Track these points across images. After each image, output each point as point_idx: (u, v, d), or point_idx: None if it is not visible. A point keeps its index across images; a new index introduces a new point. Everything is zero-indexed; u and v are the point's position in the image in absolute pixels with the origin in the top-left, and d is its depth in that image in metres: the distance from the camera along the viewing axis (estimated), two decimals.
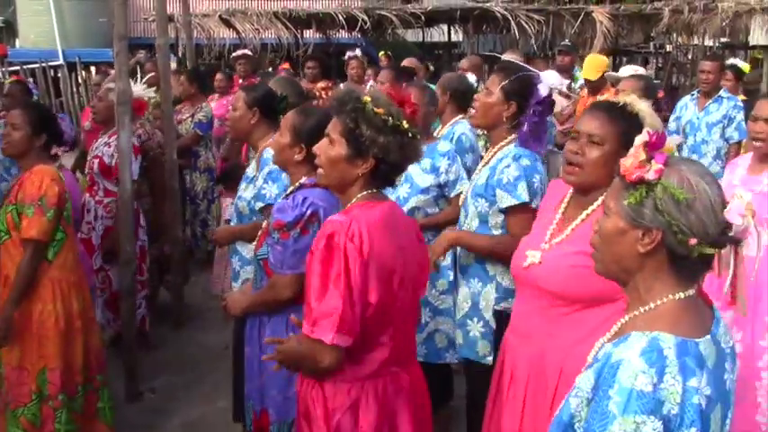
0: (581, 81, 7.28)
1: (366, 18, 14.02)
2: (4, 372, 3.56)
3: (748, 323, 3.51)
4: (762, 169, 3.50)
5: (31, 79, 12.21)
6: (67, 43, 15.57)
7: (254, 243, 3.04)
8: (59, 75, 14.77)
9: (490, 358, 3.01)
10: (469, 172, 3.79)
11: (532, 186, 2.92)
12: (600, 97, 6.54)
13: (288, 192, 2.85)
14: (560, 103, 6.10)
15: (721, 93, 6.07)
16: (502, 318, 2.98)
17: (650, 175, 1.48)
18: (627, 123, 2.31)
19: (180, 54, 12.32)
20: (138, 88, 5.15)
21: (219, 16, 13.73)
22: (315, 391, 2.24)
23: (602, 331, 1.65)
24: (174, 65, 9.93)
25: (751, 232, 1.48)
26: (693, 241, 1.45)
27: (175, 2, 11.78)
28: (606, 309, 2.19)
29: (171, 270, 5.74)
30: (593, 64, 6.78)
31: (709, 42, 15.24)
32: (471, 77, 5.00)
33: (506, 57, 6.76)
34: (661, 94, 5.76)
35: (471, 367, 3.16)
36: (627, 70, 6.07)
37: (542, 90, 2.95)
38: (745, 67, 6.73)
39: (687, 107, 6.20)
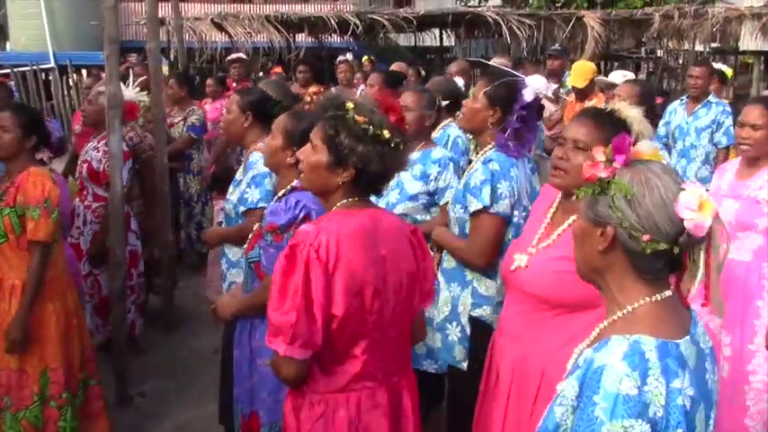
0: (564, 90, 7.30)
1: (358, 22, 14.05)
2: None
3: (737, 327, 3.52)
4: (750, 174, 3.53)
5: (12, 82, 12.14)
6: (59, 46, 15.55)
7: (245, 246, 3.04)
8: (50, 78, 14.73)
9: (465, 364, 3.06)
10: None
11: (496, 192, 2.89)
12: (588, 103, 6.60)
13: (280, 194, 2.86)
14: (548, 108, 6.14)
15: (710, 98, 6.11)
16: (477, 324, 3.01)
17: (602, 174, 1.51)
18: (613, 130, 2.33)
19: (172, 57, 12.31)
20: (130, 92, 5.15)
21: (211, 20, 13.74)
22: (289, 400, 2.22)
23: (584, 337, 1.66)
24: (165, 69, 9.92)
25: (715, 232, 1.48)
26: (646, 237, 1.46)
27: (167, 5, 11.76)
28: (589, 315, 2.21)
29: (161, 274, 5.73)
30: (581, 71, 6.81)
31: (699, 47, 15.32)
32: (459, 81, 5.01)
33: (495, 61, 6.77)
34: (659, 100, 5.80)
35: (452, 370, 3.19)
36: (616, 75, 6.09)
37: (527, 95, 2.94)
38: (728, 71, 6.77)
39: (676, 112, 6.23)
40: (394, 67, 6.97)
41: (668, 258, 1.48)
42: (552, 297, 2.37)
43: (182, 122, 6.94)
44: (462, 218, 3.05)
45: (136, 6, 17.36)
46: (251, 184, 3.37)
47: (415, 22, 14.59)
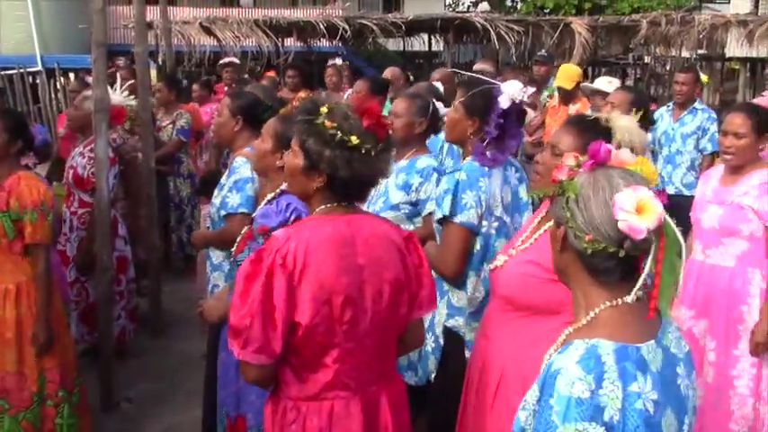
0: (546, 93, 7.33)
1: (347, 27, 14.05)
2: None
3: (722, 332, 3.55)
4: (733, 181, 3.55)
5: None
6: (46, 49, 15.46)
7: (232, 249, 3.05)
8: (38, 81, 14.65)
9: (433, 375, 3.08)
10: None
11: (460, 202, 2.87)
12: (572, 106, 6.67)
13: (270, 197, 2.87)
14: (529, 114, 6.15)
15: (696, 104, 6.15)
16: (450, 335, 3.02)
17: (561, 176, 1.54)
18: (594, 138, 2.35)
19: (160, 61, 12.29)
20: (117, 96, 5.13)
21: (200, 24, 13.71)
22: (269, 404, 2.23)
23: (546, 341, 1.67)
24: (153, 73, 9.92)
25: (671, 238, 1.46)
26: (588, 237, 1.47)
27: (155, 9, 11.75)
28: (552, 320, 2.24)
29: (149, 277, 5.71)
30: (569, 73, 6.85)
31: (686, 54, 15.43)
32: (440, 87, 5.04)
33: (477, 67, 6.80)
34: (654, 106, 5.84)
35: (429, 382, 3.21)
36: (601, 81, 6.14)
37: (503, 102, 2.91)
38: (704, 78, 6.83)
39: (662, 118, 6.26)
40: (387, 72, 6.96)
41: (618, 261, 1.48)
42: (516, 299, 2.41)
43: (170, 126, 6.97)
44: (438, 227, 3.05)
45: (124, 10, 17.33)
46: (232, 188, 3.38)
47: (403, 27, 14.62)
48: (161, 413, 4.49)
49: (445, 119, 3.22)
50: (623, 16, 16.22)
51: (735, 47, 15.26)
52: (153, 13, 12.14)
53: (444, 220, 2.91)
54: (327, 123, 2.08)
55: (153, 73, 10.04)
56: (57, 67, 14.42)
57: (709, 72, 16.55)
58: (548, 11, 21.51)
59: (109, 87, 4.73)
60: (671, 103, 6.40)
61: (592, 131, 2.38)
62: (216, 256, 3.61)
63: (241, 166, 3.41)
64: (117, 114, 5.04)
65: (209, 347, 3.29)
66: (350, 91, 7.06)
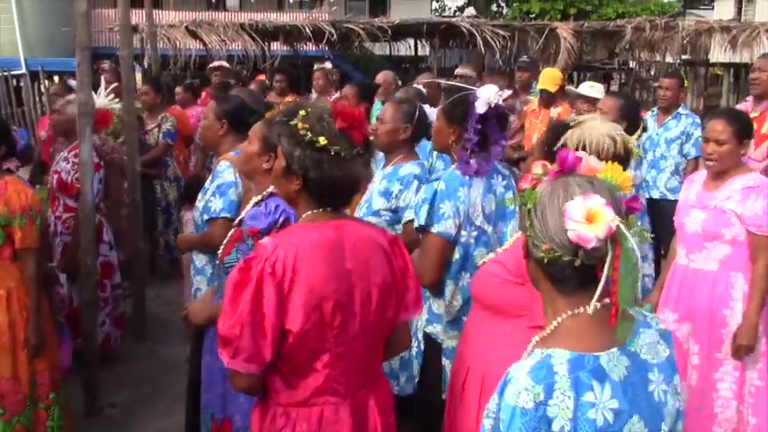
0: (532, 96, 7.38)
1: (333, 31, 14.06)
2: None
3: (705, 336, 3.57)
4: (716, 186, 3.57)
5: None
6: (30, 52, 15.39)
7: (219, 252, 3.04)
8: (22, 84, 14.57)
9: (417, 379, 3.10)
10: None
11: (437, 212, 2.86)
12: (553, 110, 6.73)
13: (257, 199, 2.88)
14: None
15: (680, 110, 6.19)
16: (428, 341, 3.03)
17: (526, 184, 1.56)
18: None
19: (145, 65, 12.25)
20: (102, 99, 5.10)
21: (185, 27, 13.68)
22: (257, 410, 2.22)
23: (517, 345, 1.68)
24: (139, 76, 9.88)
25: (625, 247, 1.43)
26: (545, 246, 1.48)
27: (140, 12, 11.71)
28: (517, 323, 2.29)
29: (133, 282, 5.68)
30: (552, 77, 6.90)
31: (670, 59, 15.55)
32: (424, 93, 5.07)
33: (459, 71, 6.82)
34: (644, 113, 5.87)
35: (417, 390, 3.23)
36: (583, 87, 6.18)
37: (479, 107, 2.90)
38: (686, 83, 6.90)
39: (647, 123, 6.30)
40: (379, 76, 6.96)
41: (575, 270, 1.47)
42: (479, 296, 2.49)
43: (156, 129, 6.94)
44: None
45: (109, 13, 17.27)
46: (215, 193, 3.38)
47: (389, 31, 14.64)
48: (146, 418, 4.46)
49: (432, 129, 3.23)
50: (608, 21, 16.35)
51: (718, 52, 15.41)
52: (138, 17, 12.11)
53: (421, 230, 2.91)
54: (300, 125, 2.10)
55: (138, 76, 10.00)
56: (41, 70, 14.35)
57: (694, 77, 16.69)
58: (533, 16, 21.64)
59: (93, 91, 4.70)
60: (655, 108, 6.45)
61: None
62: (199, 259, 3.60)
63: (224, 171, 3.41)
64: (101, 118, 5.00)
65: (192, 350, 3.28)
66: (336, 95, 7.06)
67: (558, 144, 2.43)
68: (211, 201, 3.38)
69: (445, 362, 2.94)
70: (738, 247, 3.49)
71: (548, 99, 6.87)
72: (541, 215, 1.49)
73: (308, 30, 14.21)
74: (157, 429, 4.34)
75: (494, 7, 23.65)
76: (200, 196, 3.59)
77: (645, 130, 4.92)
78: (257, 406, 2.22)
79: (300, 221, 2.18)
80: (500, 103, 2.93)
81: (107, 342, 5.03)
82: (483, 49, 14.26)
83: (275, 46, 15.57)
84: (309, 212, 2.16)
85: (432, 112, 3.94)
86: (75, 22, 4.51)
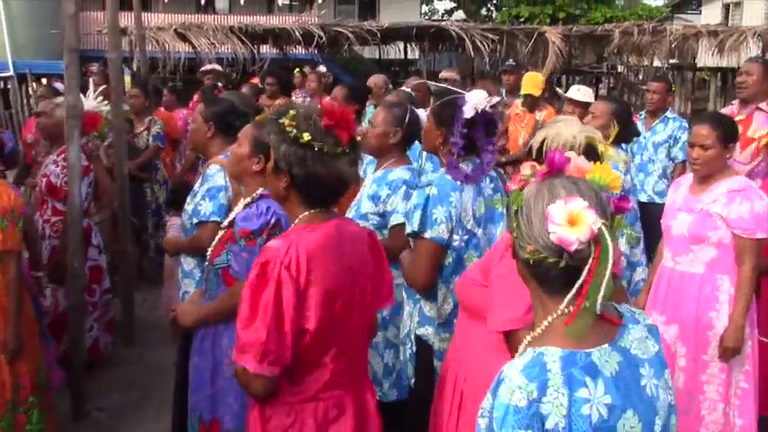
0: (512, 100, 7.42)
1: (322, 34, 14.07)
2: None
3: (691, 338, 3.59)
4: (702, 189, 3.60)
5: None
6: (18, 54, 15.32)
7: (208, 254, 3.04)
8: (9, 86, 14.51)
9: (412, 380, 3.10)
10: None
11: (430, 217, 2.88)
12: (538, 113, 6.76)
13: (248, 201, 2.88)
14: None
15: (668, 113, 6.23)
16: (420, 343, 3.04)
17: (513, 186, 1.57)
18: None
19: (134, 67, 12.22)
20: (91, 102, 5.08)
21: (175, 30, 13.65)
22: (256, 412, 2.22)
23: (488, 344, 1.71)
24: (128, 79, 9.86)
25: (605, 249, 1.43)
26: (530, 248, 1.49)
27: (129, 15, 11.68)
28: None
29: (121, 285, 5.66)
30: (535, 81, 6.95)
31: (658, 63, 15.65)
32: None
33: (443, 75, 6.85)
34: (637, 117, 5.90)
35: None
36: (572, 90, 6.21)
37: (467, 112, 2.91)
38: (673, 87, 6.97)
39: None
40: (371, 80, 6.97)
41: (560, 271, 1.47)
42: (460, 298, 2.53)
43: (145, 132, 6.94)
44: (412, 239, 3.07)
45: (98, 15, 17.21)
46: (205, 196, 3.37)
47: (379, 34, 14.67)
48: (134, 422, 4.45)
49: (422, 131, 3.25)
50: (596, 26, 16.44)
51: (706, 56, 15.52)
52: (127, 19, 12.08)
53: (414, 235, 2.93)
54: (287, 122, 2.16)
55: (127, 79, 9.97)
56: (28, 72, 14.30)
57: (681, 81, 16.79)
58: (522, 20, 21.72)
59: (82, 94, 4.68)
60: (643, 112, 6.49)
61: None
62: (187, 263, 3.59)
63: (215, 174, 3.40)
64: (90, 121, 4.98)
65: (179, 352, 3.27)
66: (327, 99, 7.07)
67: (526, 148, 2.47)
68: (201, 204, 3.37)
69: (437, 363, 2.96)
70: (724, 250, 3.51)
71: (532, 103, 6.91)
72: (526, 217, 1.51)
73: (297, 33, 14.22)
74: None
75: (483, 11, 23.73)
76: (189, 199, 3.57)
77: (637, 135, 4.95)
78: (256, 406, 2.22)
79: (299, 223, 2.21)
80: (488, 109, 2.95)
81: (96, 347, 5.01)
82: (472, 52, 14.31)
83: (264, 49, 15.57)
84: (306, 213, 2.21)
85: (424, 116, 3.96)
86: (64, 25, 4.49)
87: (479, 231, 2.97)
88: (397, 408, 3.36)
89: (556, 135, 2.33)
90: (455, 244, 2.92)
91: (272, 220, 2.75)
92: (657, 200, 5.85)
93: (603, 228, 1.43)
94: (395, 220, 3.42)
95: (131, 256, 5.82)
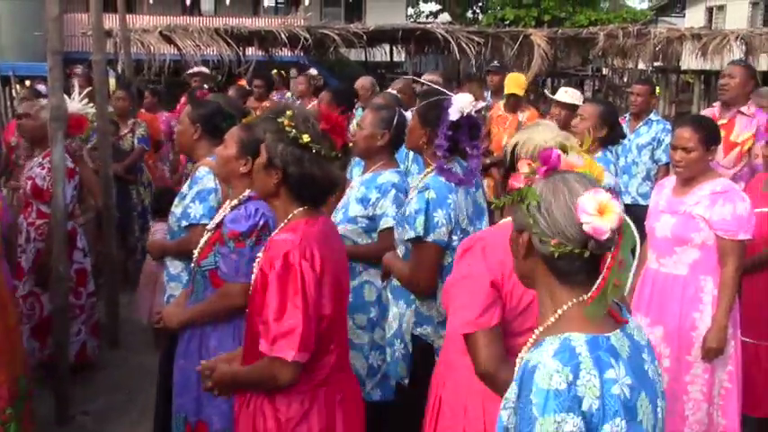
0: (497, 101, 7.45)
1: (308, 36, 14.06)
2: None
3: (675, 339, 3.61)
4: (685, 191, 3.63)
5: None
6: (1, 56, 15.21)
7: (194, 257, 3.03)
8: None
9: (407, 380, 3.11)
10: None
11: (432, 221, 2.90)
12: (520, 114, 6.78)
13: (235, 203, 2.89)
14: None
15: (651, 116, 6.27)
16: (418, 342, 3.05)
17: (518, 183, 1.60)
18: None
19: (119, 70, 12.17)
20: (76, 104, 5.04)
21: (160, 32, 13.61)
22: (264, 405, 2.26)
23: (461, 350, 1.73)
24: (112, 81, 9.82)
25: (627, 237, 1.52)
26: (554, 241, 1.53)
27: (114, 16, 11.63)
28: None
29: (106, 287, 5.64)
30: (518, 81, 6.99)
31: (642, 66, 15.75)
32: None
33: (427, 78, 6.86)
34: (623, 120, 5.93)
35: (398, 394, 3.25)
36: (559, 93, 6.23)
37: (452, 114, 2.93)
38: (657, 90, 7.03)
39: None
40: (358, 83, 6.98)
41: (584, 262, 1.53)
42: (442, 300, 2.53)
43: (130, 135, 6.93)
44: (408, 244, 3.06)
45: (82, 17, 17.11)
46: (195, 199, 3.35)
47: (365, 37, 14.70)
48: (119, 425, 4.43)
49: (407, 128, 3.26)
50: (581, 29, 16.52)
51: (689, 59, 15.63)
52: (112, 21, 12.02)
53: (417, 240, 2.93)
54: (286, 122, 2.24)
55: (112, 81, 9.93)
56: (12, 74, 14.19)
57: (665, 84, 16.90)
58: (508, 23, 21.79)
59: (66, 95, 4.65)
60: (627, 115, 6.52)
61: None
62: (174, 266, 3.56)
63: (204, 177, 3.39)
64: (76, 123, 4.94)
65: (163, 355, 3.26)
66: (315, 102, 7.07)
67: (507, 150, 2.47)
68: (191, 207, 3.34)
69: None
70: (707, 252, 3.54)
71: (514, 104, 6.93)
72: (547, 211, 1.54)
73: (283, 35, 14.21)
74: None
75: (469, 14, 23.79)
76: (176, 202, 3.55)
77: (623, 137, 4.97)
78: (265, 400, 2.26)
79: (297, 218, 2.29)
80: (473, 113, 2.97)
81: (83, 351, 4.97)
82: (458, 55, 14.34)
83: (250, 51, 15.54)
84: (300, 209, 2.29)
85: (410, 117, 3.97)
86: (47, 27, 4.46)
87: (471, 229, 3.02)
88: (380, 408, 3.35)
89: (527, 140, 2.34)
90: (454, 244, 2.94)
91: (261, 222, 2.79)
92: (641, 201, 5.89)
93: (625, 215, 1.50)
94: (384, 223, 3.41)
95: (116, 259, 5.79)
